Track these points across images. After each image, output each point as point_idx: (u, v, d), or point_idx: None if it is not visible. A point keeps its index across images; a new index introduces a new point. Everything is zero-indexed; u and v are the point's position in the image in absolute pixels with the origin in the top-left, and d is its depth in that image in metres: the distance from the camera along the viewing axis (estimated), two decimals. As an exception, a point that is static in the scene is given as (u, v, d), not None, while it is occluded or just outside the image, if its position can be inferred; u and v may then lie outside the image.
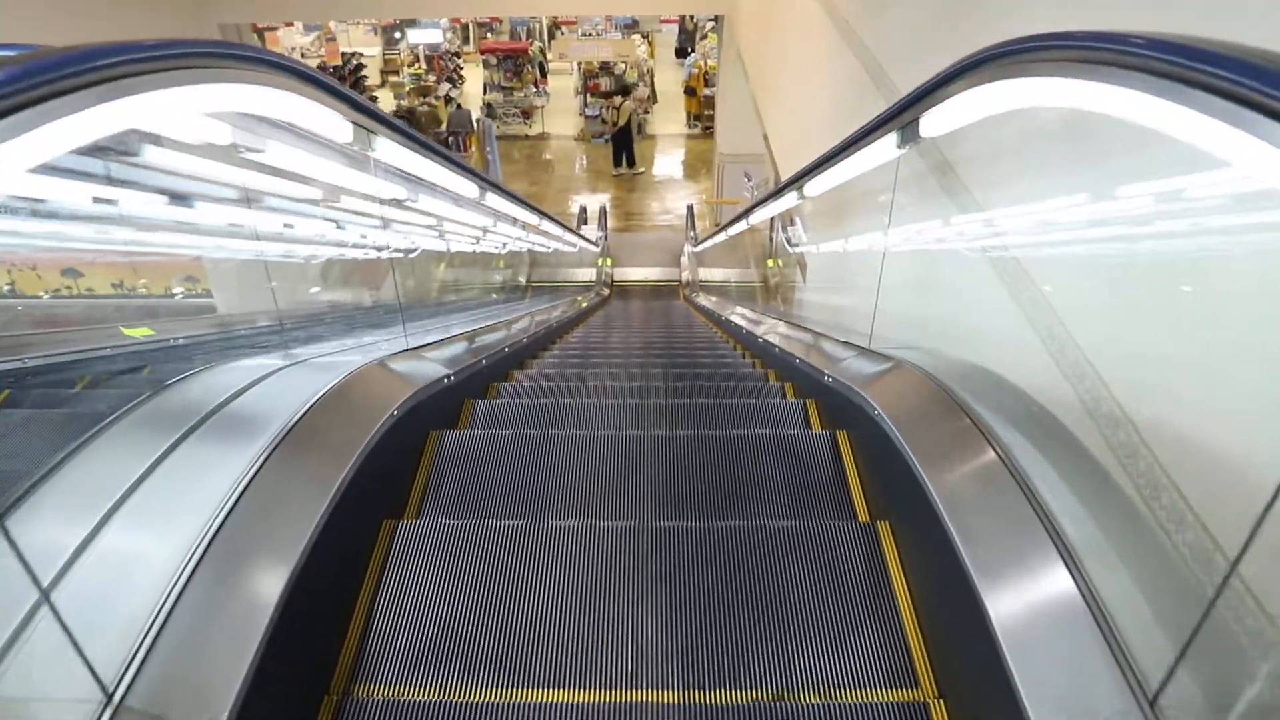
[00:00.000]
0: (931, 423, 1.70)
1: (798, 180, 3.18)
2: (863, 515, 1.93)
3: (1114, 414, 1.78)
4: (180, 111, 1.14)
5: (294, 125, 1.65)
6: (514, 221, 4.71)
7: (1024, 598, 1.28)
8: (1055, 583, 1.24)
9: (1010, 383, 1.78)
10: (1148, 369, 1.58)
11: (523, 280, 10.94)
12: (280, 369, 1.80)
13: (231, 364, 1.90)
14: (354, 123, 1.80)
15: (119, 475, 1.31)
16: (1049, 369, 2.05)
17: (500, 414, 2.57)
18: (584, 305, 8.38)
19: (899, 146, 1.94)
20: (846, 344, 2.44)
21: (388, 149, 2.06)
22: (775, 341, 3.36)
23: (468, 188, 3.07)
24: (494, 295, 6.51)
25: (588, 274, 11.90)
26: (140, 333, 3.49)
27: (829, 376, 2.22)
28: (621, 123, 15.23)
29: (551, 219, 6.03)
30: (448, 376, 2.22)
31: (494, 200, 3.56)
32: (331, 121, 1.71)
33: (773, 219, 4.96)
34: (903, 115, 1.85)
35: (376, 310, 2.78)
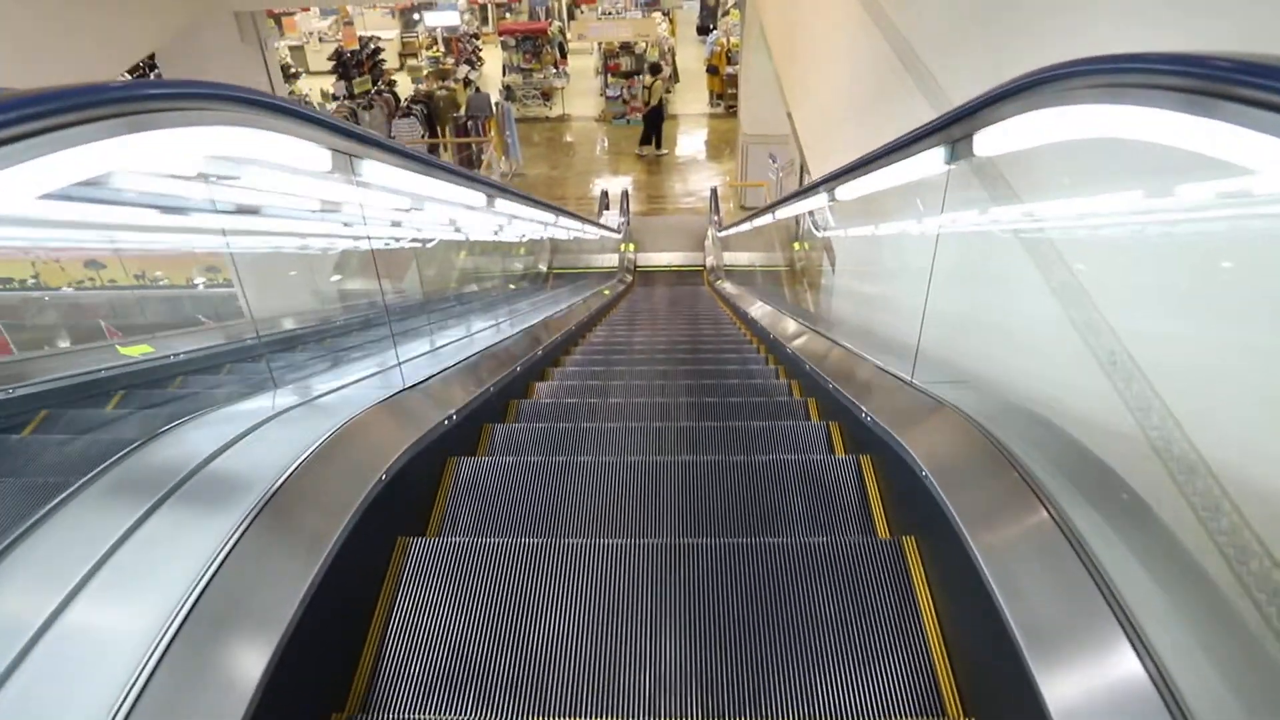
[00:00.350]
0: (980, 482, 1.51)
1: (826, 183, 2.95)
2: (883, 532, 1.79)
3: (1189, 458, 1.58)
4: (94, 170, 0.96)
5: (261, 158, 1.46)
6: (528, 221, 4.51)
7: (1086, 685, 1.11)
8: (1121, 670, 1.07)
9: (1066, 428, 1.58)
10: (1231, 403, 1.38)
11: (543, 268, 10.79)
12: (258, 425, 1.63)
13: (207, 415, 1.73)
14: (333, 149, 1.61)
15: (85, 549, 1.19)
16: (1111, 403, 1.84)
17: (519, 440, 2.43)
18: (607, 296, 8.19)
19: (947, 162, 1.72)
20: (885, 371, 2.22)
21: (377, 171, 1.87)
22: (804, 355, 3.14)
23: (475, 197, 2.87)
24: (512, 287, 6.35)
25: (610, 259, 11.69)
26: (138, 350, 3.36)
27: (867, 414, 2.01)
28: (653, 102, 14.94)
29: (570, 214, 5.84)
30: (449, 418, 2.04)
31: (505, 205, 3.37)
32: (304, 153, 1.52)
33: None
34: (952, 129, 1.62)
35: (379, 328, 2.61)
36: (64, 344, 3.37)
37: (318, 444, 1.56)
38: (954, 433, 1.64)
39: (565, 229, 6.04)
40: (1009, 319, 2.03)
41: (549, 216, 4.64)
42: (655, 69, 15.47)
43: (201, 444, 1.58)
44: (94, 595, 1.12)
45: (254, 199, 1.94)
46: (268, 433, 1.60)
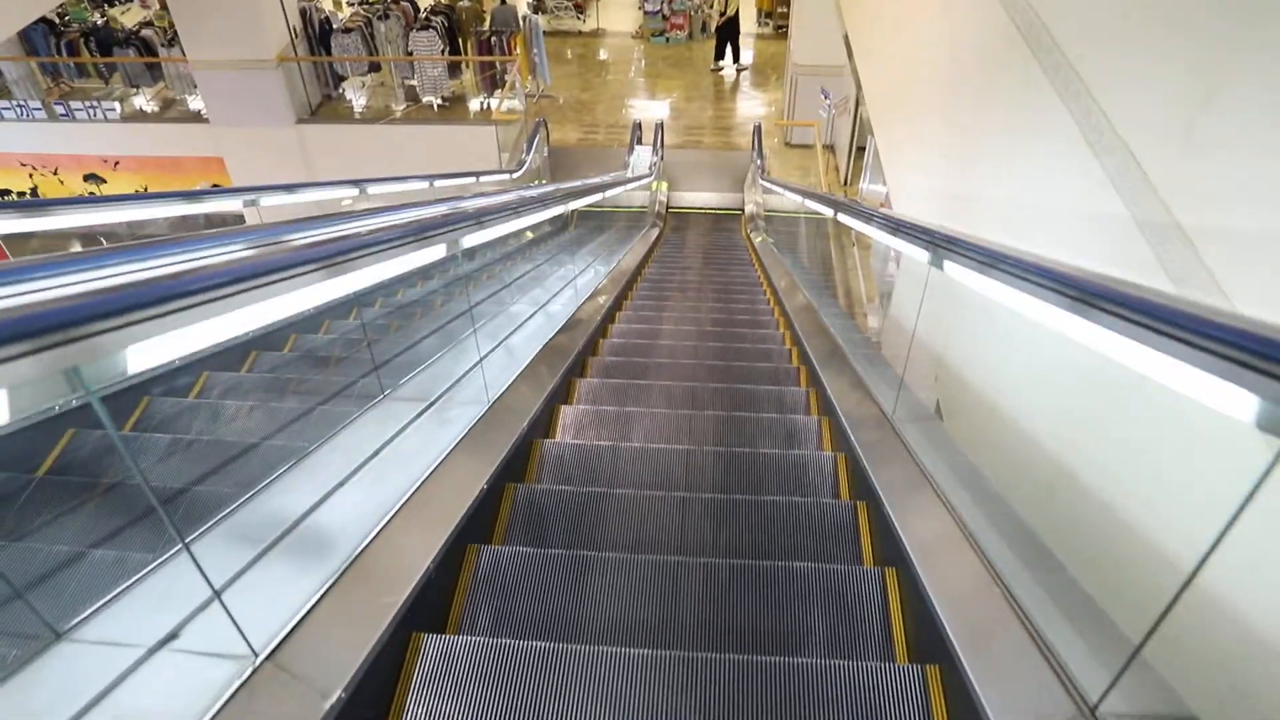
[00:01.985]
0: None
1: (920, 239, 2.16)
2: None
3: None
4: None
5: None
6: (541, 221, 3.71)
7: None
8: None
9: None
10: None
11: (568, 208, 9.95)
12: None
13: None
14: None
15: None
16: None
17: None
18: (636, 257, 7.37)
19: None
20: (993, 576, 1.49)
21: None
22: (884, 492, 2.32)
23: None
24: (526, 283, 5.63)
25: (640, 198, 10.79)
26: None
27: None
28: (729, 12, 13.74)
29: (594, 188, 5.08)
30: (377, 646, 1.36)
31: (507, 228, 2.58)
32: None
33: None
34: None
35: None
36: None
37: None
38: None
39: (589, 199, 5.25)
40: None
41: (561, 207, 3.84)
42: (737, -25, 14.23)
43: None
44: None
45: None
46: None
